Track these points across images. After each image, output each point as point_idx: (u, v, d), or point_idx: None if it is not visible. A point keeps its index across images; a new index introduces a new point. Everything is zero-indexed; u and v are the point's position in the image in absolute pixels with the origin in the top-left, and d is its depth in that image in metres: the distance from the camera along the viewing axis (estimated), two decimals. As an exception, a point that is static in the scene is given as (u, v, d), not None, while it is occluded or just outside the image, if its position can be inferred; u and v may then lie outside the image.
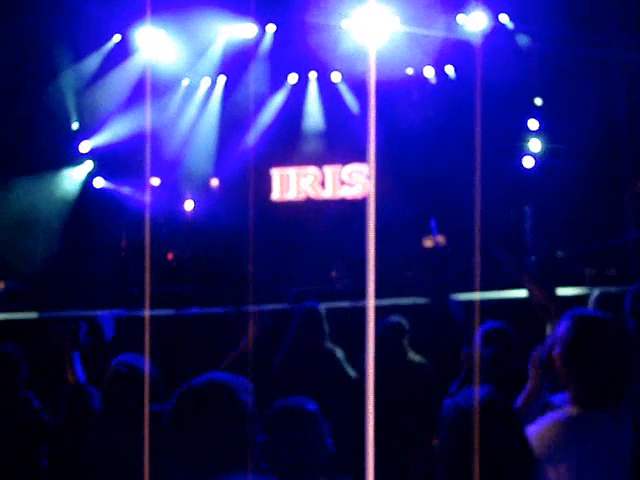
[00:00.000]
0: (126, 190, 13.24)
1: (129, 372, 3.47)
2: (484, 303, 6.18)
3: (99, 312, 6.39)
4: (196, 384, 2.23)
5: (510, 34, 12.38)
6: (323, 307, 5.23)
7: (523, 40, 12.31)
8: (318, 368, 4.88)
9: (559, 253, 11.25)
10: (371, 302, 2.69)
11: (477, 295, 6.21)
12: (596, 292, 4.58)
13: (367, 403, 2.29)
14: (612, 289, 4.75)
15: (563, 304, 3.70)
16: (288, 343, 5.12)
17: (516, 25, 12.44)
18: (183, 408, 2.18)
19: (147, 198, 12.78)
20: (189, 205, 14.56)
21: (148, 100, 12.00)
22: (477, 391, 2.27)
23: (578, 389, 2.57)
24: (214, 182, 14.78)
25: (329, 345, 5.17)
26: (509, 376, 3.52)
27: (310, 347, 5.05)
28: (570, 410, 2.59)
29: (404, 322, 4.91)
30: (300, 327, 5.13)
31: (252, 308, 4.82)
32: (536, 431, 2.52)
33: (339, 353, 5.17)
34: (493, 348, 3.86)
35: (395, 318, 4.93)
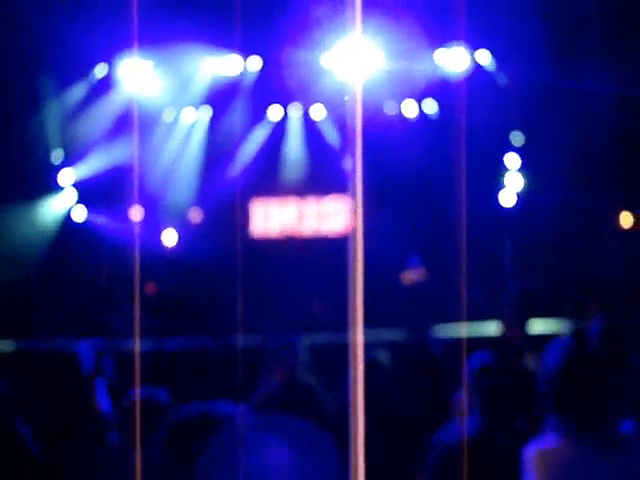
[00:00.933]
0: (107, 221, 13.20)
1: None
2: (466, 337, 6.20)
3: (78, 343, 6.33)
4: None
5: (491, 70, 12.55)
6: (305, 339, 5.23)
7: (502, 77, 12.48)
8: (294, 400, 4.87)
9: (538, 286, 11.29)
10: (359, 336, 2.69)
11: (458, 329, 6.22)
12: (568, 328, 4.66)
13: (355, 437, 2.28)
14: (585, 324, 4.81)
15: (538, 339, 3.77)
16: (267, 377, 5.10)
17: (497, 61, 12.62)
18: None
19: (130, 228, 12.74)
20: (170, 237, 14.53)
21: (134, 130, 12.01)
22: (464, 428, 2.28)
23: (564, 418, 2.64)
24: (195, 214, 14.79)
25: (307, 377, 5.17)
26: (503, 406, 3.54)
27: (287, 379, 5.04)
28: (556, 440, 2.65)
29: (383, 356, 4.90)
30: (279, 359, 5.12)
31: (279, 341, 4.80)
32: (525, 461, 2.58)
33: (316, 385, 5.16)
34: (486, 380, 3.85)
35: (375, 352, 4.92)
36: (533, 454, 2.55)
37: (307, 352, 5.21)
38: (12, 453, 3.10)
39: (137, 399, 3.43)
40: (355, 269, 2.67)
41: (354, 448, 2.21)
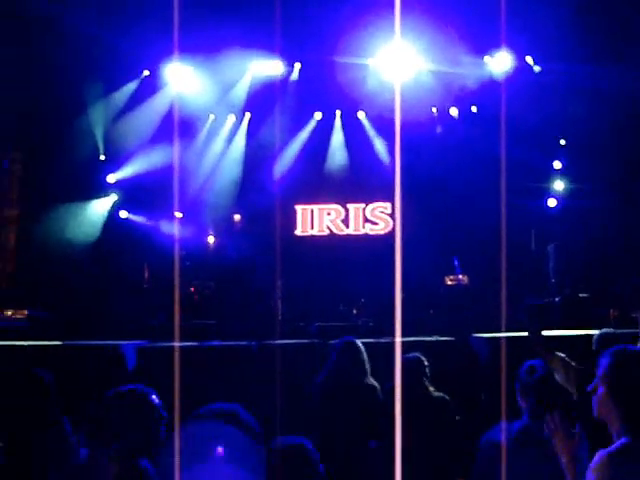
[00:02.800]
0: (150, 222, 13.35)
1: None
2: (507, 341, 6.16)
3: (121, 342, 6.42)
4: None
5: (534, 74, 12.44)
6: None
7: (547, 80, 12.35)
8: (358, 402, 4.92)
9: (582, 294, 11.14)
10: (398, 339, 2.71)
11: (500, 333, 6.18)
12: (597, 333, 4.62)
13: (395, 436, 2.30)
14: (615, 330, 4.76)
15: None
16: (327, 376, 5.11)
17: (541, 65, 12.51)
18: None
19: (172, 230, 12.86)
20: (211, 239, 14.64)
21: (175, 134, 12.14)
22: (509, 426, 2.27)
23: (627, 420, 2.65)
24: (237, 217, 14.87)
25: (370, 380, 5.19)
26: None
27: (351, 381, 5.06)
28: (621, 442, 2.65)
29: (423, 358, 4.90)
30: (341, 361, 5.13)
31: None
32: (592, 467, 2.59)
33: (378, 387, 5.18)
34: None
35: (413, 354, 4.92)
36: (603, 458, 2.56)
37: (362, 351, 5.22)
38: (53, 441, 3.15)
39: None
40: (396, 273, 2.68)
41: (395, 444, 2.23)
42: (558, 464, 2.42)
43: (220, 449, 2.56)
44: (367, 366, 5.16)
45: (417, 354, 4.88)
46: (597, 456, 2.64)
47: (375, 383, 5.15)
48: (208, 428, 2.59)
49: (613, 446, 2.66)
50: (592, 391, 2.75)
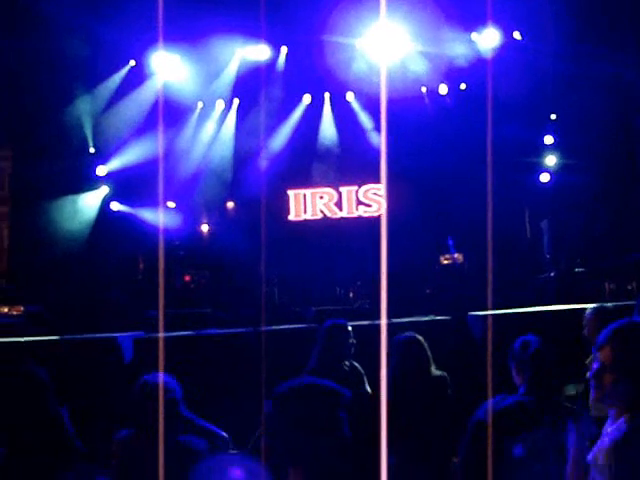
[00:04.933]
0: (142, 213, 13.30)
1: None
2: (503, 318, 6.15)
3: (118, 334, 6.40)
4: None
5: (523, 50, 12.38)
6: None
7: (536, 56, 12.30)
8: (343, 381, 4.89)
9: (578, 268, 11.18)
10: (383, 320, 2.70)
11: (496, 310, 6.18)
12: (591, 307, 4.60)
13: (381, 416, 2.29)
14: (609, 304, 4.74)
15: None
16: (315, 357, 5.11)
17: (529, 41, 12.45)
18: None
19: (164, 220, 12.82)
20: (205, 228, 14.63)
21: (161, 124, 12.08)
22: (502, 400, 2.26)
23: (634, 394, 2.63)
24: (230, 204, 14.85)
25: (353, 362, 5.19)
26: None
27: (336, 360, 5.05)
28: (627, 417, 2.62)
29: (418, 337, 4.88)
30: (327, 341, 5.12)
31: None
32: (614, 446, 2.56)
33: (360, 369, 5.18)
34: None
35: (409, 333, 4.90)
36: (616, 445, 2.53)
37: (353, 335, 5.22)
38: (50, 435, 3.14)
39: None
40: (382, 254, 2.66)
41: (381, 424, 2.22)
42: (552, 439, 2.41)
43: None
44: (352, 349, 5.14)
45: (412, 333, 4.86)
46: (610, 442, 2.60)
47: (359, 367, 5.15)
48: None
49: (622, 430, 2.63)
50: (595, 375, 2.70)
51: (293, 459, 2.16)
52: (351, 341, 5.18)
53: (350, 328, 5.19)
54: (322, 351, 5.12)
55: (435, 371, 4.74)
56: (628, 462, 2.52)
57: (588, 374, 2.69)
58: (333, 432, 2.18)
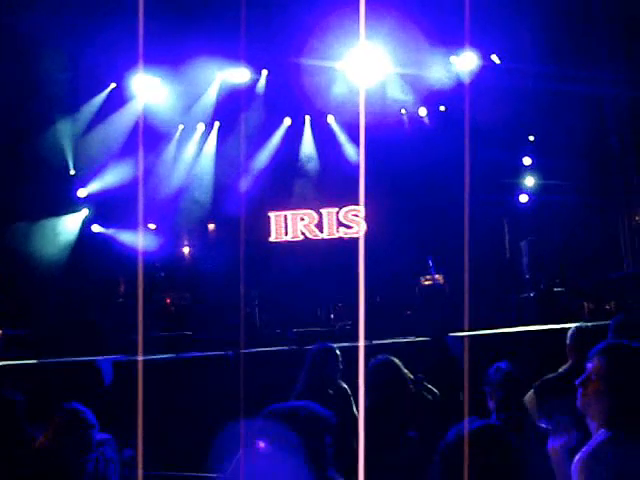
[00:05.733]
0: (123, 235, 13.26)
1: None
2: (483, 338, 6.20)
3: (98, 358, 6.38)
4: None
5: (501, 72, 12.52)
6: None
7: (514, 78, 12.44)
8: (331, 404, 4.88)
9: (557, 288, 11.25)
10: (361, 342, 2.73)
11: (476, 331, 6.21)
12: (573, 327, 4.65)
13: (358, 437, 2.31)
14: (588, 324, 4.79)
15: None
16: (303, 380, 5.11)
17: (506, 64, 12.59)
18: None
19: (145, 242, 12.78)
20: (186, 250, 14.59)
21: (141, 146, 12.08)
22: (467, 424, 2.27)
23: (615, 413, 2.68)
24: (211, 226, 14.83)
25: (341, 384, 5.20)
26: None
27: (325, 384, 5.05)
28: (609, 435, 2.68)
29: (393, 359, 4.88)
30: (316, 365, 5.13)
31: None
32: (583, 459, 2.61)
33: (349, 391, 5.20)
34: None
35: (382, 356, 4.90)
36: (585, 458, 2.59)
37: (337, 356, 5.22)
38: (21, 456, 3.13)
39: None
40: (360, 275, 2.69)
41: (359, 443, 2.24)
42: (520, 460, 2.43)
43: (262, 444, 2.56)
44: (339, 374, 5.15)
45: (385, 356, 4.85)
46: (580, 455, 2.65)
47: (346, 387, 5.17)
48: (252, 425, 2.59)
49: (594, 443, 2.68)
50: (582, 383, 2.78)
51: None
52: (339, 365, 5.20)
53: (338, 352, 5.21)
54: (310, 374, 5.12)
55: (414, 389, 4.75)
56: (595, 476, 2.56)
57: (576, 381, 2.77)
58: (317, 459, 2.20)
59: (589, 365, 2.80)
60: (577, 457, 2.66)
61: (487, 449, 2.32)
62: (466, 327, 5.84)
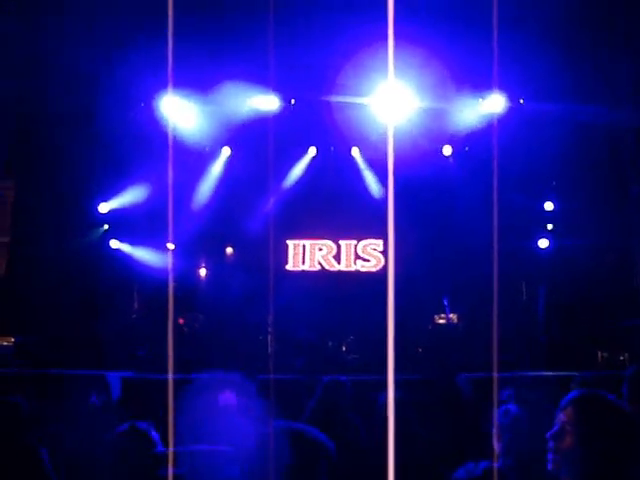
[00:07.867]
0: (141, 252, 13.33)
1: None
2: (493, 381, 6.14)
3: (107, 372, 6.40)
4: None
5: (528, 115, 12.52)
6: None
7: (539, 121, 12.43)
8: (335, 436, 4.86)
9: (571, 335, 11.17)
10: (390, 377, 2.71)
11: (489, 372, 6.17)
12: (577, 377, 4.60)
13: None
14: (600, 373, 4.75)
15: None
16: (311, 410, 5.10)
17: (533, 107, 12.61)
18: None
19: (164, 262, 12.83)
20: (203, 272, 14.63)
21: (170, 167, 12.18)
22: (477, 465, 2.26)
23: (589, 464, 2.59)
24: (229, 250, 14.87)
25: (350, 416, 5.18)
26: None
27: (333, 415, 5.04)
28: None
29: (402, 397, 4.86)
30: (326, 396, 5.12)
31: None
32: None
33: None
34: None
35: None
36: None
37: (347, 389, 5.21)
38: (28, 471, 3.12)
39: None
40: (388, 312, 2.68)
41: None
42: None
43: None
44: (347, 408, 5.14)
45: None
46: None
47: (355, 422, 5.14)
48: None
49: None
50: (554, 436, 2.67)
51: None
52: (348, 400, 5.18)
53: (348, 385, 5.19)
54: (318, 405, 5.11)
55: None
56: None
57: (547, 434, 2.67)
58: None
59: (560, 415, 2.66)
60: None
61: None
62: (480, 368, 5.80)
